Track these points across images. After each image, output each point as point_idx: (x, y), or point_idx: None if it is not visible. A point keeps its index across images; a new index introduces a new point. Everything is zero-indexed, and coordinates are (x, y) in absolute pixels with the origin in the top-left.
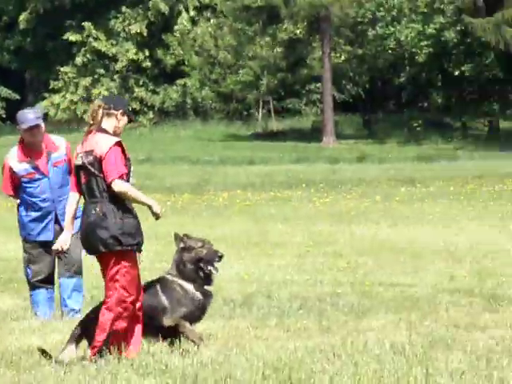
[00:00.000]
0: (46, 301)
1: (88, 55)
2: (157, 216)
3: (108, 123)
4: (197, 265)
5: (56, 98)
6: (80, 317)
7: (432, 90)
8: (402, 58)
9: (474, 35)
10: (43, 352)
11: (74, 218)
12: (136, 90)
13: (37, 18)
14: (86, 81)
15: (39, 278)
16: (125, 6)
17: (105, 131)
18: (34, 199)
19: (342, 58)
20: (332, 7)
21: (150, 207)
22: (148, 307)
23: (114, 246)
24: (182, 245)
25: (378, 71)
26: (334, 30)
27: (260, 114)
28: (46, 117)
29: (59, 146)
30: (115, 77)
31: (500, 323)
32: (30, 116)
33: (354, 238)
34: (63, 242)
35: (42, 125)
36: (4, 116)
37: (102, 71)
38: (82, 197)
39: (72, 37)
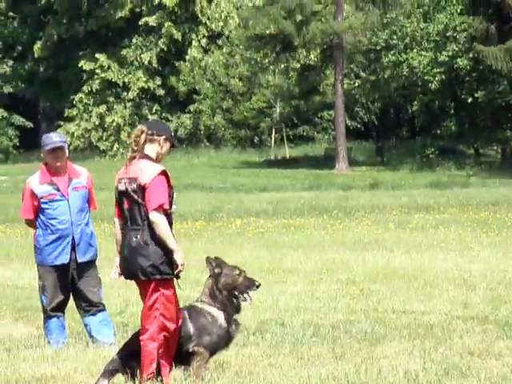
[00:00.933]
0: (59, 329)
1: (98, 85)
2: (176, 265)
3: (151, 149)
4: (231, 292)
5: (70, 127)
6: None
7: (445, 117)
8: (415, 85)
9: (486, 63)
10: None
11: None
12: (149, 117)
13: (51, 47)
14: (99, 109)
15: (54, 304)
16: (137, 35)
17: (148, 158)
18: (52, 221)
19: (355, 84)
20: (344, 35)
21: (173, 252)
22: None
23: (153, 275)
24: (217, 270)
25: (390, 98)
26: (346, 57)
27: (273, 141)
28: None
29: (81, 173)
30: (128, 105)
31: None
32: (54, 138)
33: (367, 265)
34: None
35: (66, 148)
36: (18, 144)
37: (113, 99)
38: (124, 223)
39: (86, 65)
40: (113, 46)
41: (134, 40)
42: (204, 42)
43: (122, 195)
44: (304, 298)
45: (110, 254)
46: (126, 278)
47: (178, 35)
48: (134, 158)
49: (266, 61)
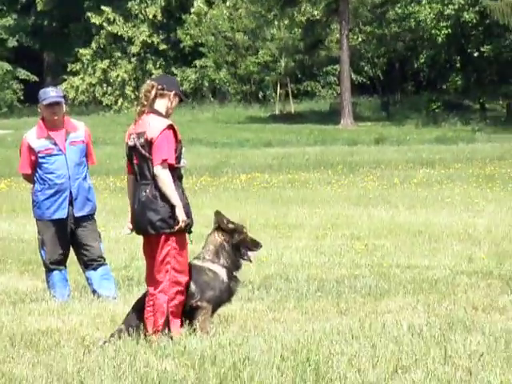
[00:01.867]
0: (61, 282)
1: (104, 39)
2: (177, 221)
3: (160, 104)
4: (238, 250)
5: (75, 81)
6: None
7: (451, 72)
8: (421, 39)
9: (493, 17)
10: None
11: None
12: (153, 71)
13: (55, 0)
14: (103, 63)
15: (54, 258)
16: None
17: (157, 112)
18: (49, 175)
19: (360, 39)
20: None
21: (174, 209)
22: None
23: (162, 229)
24: (231, 226)
25: (396, 52)
26: (352, 11)
27: (278, 96)
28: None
29: (78, 128)
30: (133, 59)
31: None
32: (52, 93)
33: (372, 220)
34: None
35: (63, 103)
36: (22, 98)
37: (118, 54)
38: (134, 178)
39: (93, 19)
40: None
41: None
42: None
43: (131, 150)
44: (309, 252)
45: (116, 208)
46: (137, 232)
47: None
48: (143, 112)
49: (271, 14)
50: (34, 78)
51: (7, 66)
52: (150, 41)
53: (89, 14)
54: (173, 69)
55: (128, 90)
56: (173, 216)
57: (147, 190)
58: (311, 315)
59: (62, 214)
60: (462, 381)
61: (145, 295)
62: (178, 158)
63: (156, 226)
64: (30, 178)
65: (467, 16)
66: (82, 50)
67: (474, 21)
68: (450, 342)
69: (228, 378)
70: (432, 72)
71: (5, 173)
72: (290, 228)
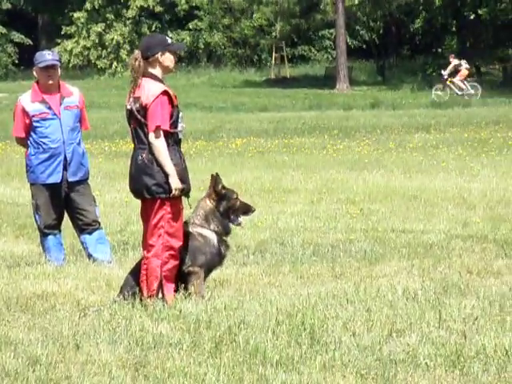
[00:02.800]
0: (56, 246)
1: (100, 0)
2: (170, 188)
3: (153, 70)
4: (228, 214)
5: (69, 44)
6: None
7: (446, 36)
8: (417, 3)
9: None
10: None
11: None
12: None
13: None
14: (98, 26)
15: (48, 223)
16: None
17: (153, 76)
18: (44, 139)
19: (356, 2)
20: None
21: (168, 176)
22: None
23: (158, 194)
24: (223, 191)
25: (392, 16)
26: None
27: (273, 59)
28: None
29: (73, 93)
30: (128, 22)
31: None
32: (47, 56)
33: (367, 184)
34: None
35: (59, 67)
36: (17, 61)
37: (113, 17)
38: (132, 142)
39: None
40: None
41: None
42: None
43: (129, 115)
44: (304, 217)
45: (111, 172)
46: (134, 196)
47: None
48: (135, 81)
49: None
50: (29, 41)
51: (1, 29)
52: (145, 4)
53: None
54: (168, 32)
55: (123, 54)
56: (168, 181)
57: (143, 155)
58: (306, 279)
59: (56, 178)
60: (457, 344)
61: (141, 259)
62: (175, 123)
63: (152, 190)
64: (23, 142)
65: None
66: (76, 14)
67: None
68: (444, 305)
69: (223, 341)
70: (428, 36)
71: (0, 136)
72: (285, 192)
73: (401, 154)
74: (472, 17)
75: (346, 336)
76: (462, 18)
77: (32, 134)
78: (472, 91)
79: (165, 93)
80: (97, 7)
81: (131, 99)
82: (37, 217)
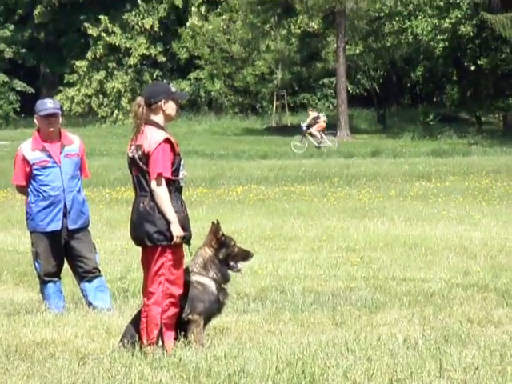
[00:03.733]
0: (56, 294)
1: (102, 49)
2: (171, 236)
3: (156, 117)
4: (227, 262)
5: (70, 92)
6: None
7: (447, 85)
8: (418, 52)
9: (492, 30)
10: None
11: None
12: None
13: (51, 12)
14: (99, 75)
15: (48, 271)
16: (140, 0)
17: (155, 124)
18: (44, 187)
19: (357, 51)
20: (347, 1)
21: (169, 223)
22: None
23: (159, 241)
24: (223, 238)
25: (393, 65)
26: (349, 23)
27: (274, 107)
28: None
29: (73, 141)
30: (129, 71)
31: None
32: (49, 104)
33: (368, 232)
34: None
35: (60, 115)
36: (18, 109)
37: (114, 65)
38: (134, 190)
39: (90, 30)
40: (114, 10)
41: (138, 2)
42: (204, 9)
43: (130, 162)
44: (304, 265)
45: (111, 220)
46: (135, 243)
47: (178, 1)
48: (138, 127)
49: (267, 26)
50: (31, 89)
51: (3, 78)
52: (147, 53)
53: (86, 24)
54: (169, 81)
55: (124, 102)
56: (170, 228)
57: (145, 202)
58: (307, 328)
59: (56, 226)
60: None
61: (142, 307)
62: (176, 171)
63: (153, 238)
64: (24, 190)
65: (464, 29)
66: (78, 62)
67: (471, 34)
68: (445, 355)
69: None
70: (428, 85)
71: (0, 184)
72: (286, 240)
73: (401, 202)
74: (472, 67)
75: None
76: (463, 67)
77: (32, 181)
78: (329, 143)
79: (167, 140)
80: (98, 56)
81: (133, 147)
82: (36, 264)
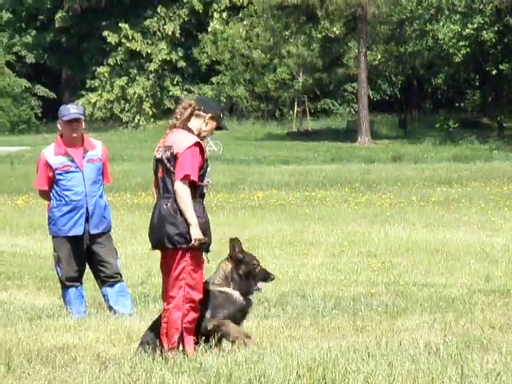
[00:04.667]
0: (78, 298)
1: (122, 55)
2: (191, 239)
3: (194, 123)
4: (247, 279)
5: (92, 97)
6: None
7: (469, 90)
8: (439, 58)
9: None
10: None
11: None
12: (171, 89)
13: (73, 17)
14: (121, 80)
15: (70, 275)
16: (160, 6)
17: (188, 129)
18: (66, 192)
19: (379, 56)
20: (368, 6)
21: (190, 226)
22: None
23: (179, 244)
24: (240, 256)
25: (414, 71)
26: (370, 28)
27: (295, 113)
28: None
29: (96, 146)
30: (151, 76)
31: None
32: (72, 110)
33: (389, 238)
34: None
35: (83, 120)
36: (40, 115)
37: (135, 71)
38: (156, 191)
39: (109, 38)
40: (135, 16)
41: (158, 9)
42: (225, 14)
43: (157, 163)
44: (325, 270)
45: (132, 225)
46: (154, 246)
47: (199, 6)
48: (174, 126)
49: (288, 32)
50: (53, 94)
51: (25, 83)
52: (168, 58)
53: (106, 32)
54: (190, 86)
55: (145, 107)
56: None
57: (168, 204)
58: (327, 333)
59: (78, 230)
60: None
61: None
62: (202, 176)
63: (174, 240)
64: (46, 195)
65: (486, 35)
66: (99, 69)
67: (493, 40)
68: (466, 360)
69: None
70: (450, 90)
71: (22, 189)
72: (307, 245)
73: (423, 207)
74: (494, 72)
75: None
76: (484, 73)
77: (55, 186)
78: (215, 148)
79: (197, 144)
80: (119, 62)
81: (161, 148)
82: (58, 269)
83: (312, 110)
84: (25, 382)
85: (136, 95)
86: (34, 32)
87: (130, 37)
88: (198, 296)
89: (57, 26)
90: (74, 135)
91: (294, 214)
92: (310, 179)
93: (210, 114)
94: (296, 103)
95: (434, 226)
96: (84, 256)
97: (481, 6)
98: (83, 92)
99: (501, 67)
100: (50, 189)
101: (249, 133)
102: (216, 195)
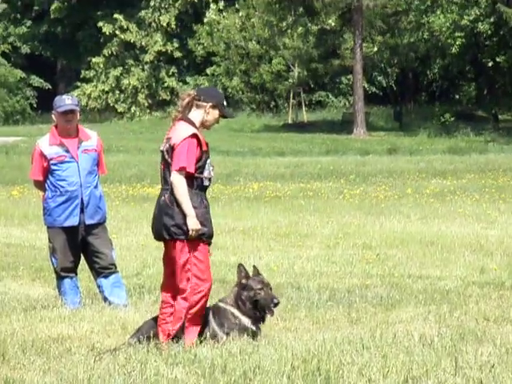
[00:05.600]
0: (72, 289)
1: (117, 46)
2: (188, 230)
3: (195, 114)
4: (254, 304)
5: (87, 88)
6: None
7: (464, 82)
8: (435, 49)
9: (509, 25)
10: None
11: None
12: (166, 80)
13: (68, 8)
14: (116, 71)
15: (65, 266)
16: None
17: (188, 121)
18: (61, 182)
19: (375, 49)
20: None
21: (186, 217)
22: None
23: (177, 235)
24: (244, 281)
25: (409, 63)
26: (366, 21)
27: (290, 105)
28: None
29: (91, 136)
30: (146, 67)
31: None
32: (67, 101)
33: (384, 230)
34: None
35: (78, 111)
36: (35, 105)
37: (131, 61)
38: (160, 182)
39: (104, 28)
40: (130, 7)
41: (152, 2)
42: (222, 4)
43: (161, 155)
44: (320, 262)
45: (127, 216)
46: (155, 237)
47: None
48: (176, 118)
49: (284, 24)
50: (48, 85)
51: (20, 74)
52: (164, 49)
53: (100, 23)
54: (186, 77)
55: (140, 98)
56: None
57: (166, 195)
58: (322, 324)
59: (73, 221)
60: None
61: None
62: (201, 168)
63: (171, 231)
64: (41, 185)
65: (482, 27)
66: (94, 59)
67: (489, 32)
68: (461, 352)
69: None
70: (445, 82)
71: (17, 179)
72: (302, 237)
73: (418, 199)
74: (490, 64)
75: (361, 382)
76: (480, 64)
77: (50, 177)
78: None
79: (194, 136)
80: (114, 53)
81: (165, 140)
82: (53, 260)
83: (307, 102)
84: (19, 373)
85: (131, 86)
86: (29, 22)
87: (125, 27)
88: (205, 286)
89: (52, 16)
90: (69, 126)
91: (289, 206)
92: (305, 171)
93: (210, 103)
94: (291, 95)
95: (428, 218)
96: (79, 247)
97: None
98: (78, 83)
99: (497, 59)
100: (44, 179)
101: (244, 124)
102: (211, 187)
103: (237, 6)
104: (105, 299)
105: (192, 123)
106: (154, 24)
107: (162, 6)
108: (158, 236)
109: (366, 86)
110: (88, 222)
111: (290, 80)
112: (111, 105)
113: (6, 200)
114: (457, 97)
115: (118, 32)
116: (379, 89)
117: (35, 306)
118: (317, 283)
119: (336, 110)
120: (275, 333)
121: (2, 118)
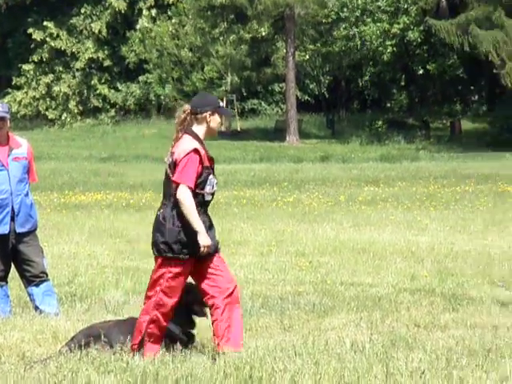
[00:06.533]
0: (2, 298)
1: (47, 53)
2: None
3: (199, 128)
4: (188, 307)
5: (18, 95)
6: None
7: (395, 90)
8: (366, 58)
9: (438, 36)
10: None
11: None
12: (98, 87)
13: None
14: (47, 78)
15: None
16: (86, 4)
17: (192, 134)
18: None
19: (307, 57)
20: (296, 7)
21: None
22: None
23: (164, 252)
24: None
25: (341, 71)
26: (298, 29)
27: None
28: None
29: (22, 144)
30: (77, 74)
31: (460, 323)
32: None
33: (317, 237)
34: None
35: (8, 119)
36: None
37: (61, 68)
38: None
39: (35, 34)
40: (61, 14)
41: (83, 9)
42: (154, 12)
43: (165, 168)
44: (253, 269)
45: (59, 224)
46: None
47: (122, 6)
48: (177, 138)
49: (216, 31)
50: None
51: None
52: (95, 56)
53: (31, 30)
54: (118, 84)
55: (72, 105)
56: (179, 242)
57: (161, 210)
58: (255, 331)
59: (3, 229)
60: None
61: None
62: (202, 184)
63: (159, 248)
64: None
65: (412, 35)
66: (25, 66)
67: (419, 39)
68: (392, 359)
69: None
70: (377, 90)
71: None
72: (235, 244)
73: (350, 206)
74: (420, 72)
75: None
76: (411, 73)
77: None
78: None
79: (196, 151)
80: (44, 60)
81: (169, 154)
82: None
83: (240, 110)
84: None
85: (62, 93)
86: None
87: (55, 35)
88: (170, 302)
89: None
90: None
91: (223, 214)
92: (238, 178)
93: (208, 112)
94: (225, 102)
95: (361, 225)
96: (9, 255)
97: (405, 6)
98: (9, 89)
99: (427, 67)
100: None
101: None
102: (144, 194)
103: (169, 13)
104: (36, 308)
105: (196, 136)
106: (85, 31)
107: (94, 13)
108: (152, 251)
109: (299, 93)
110: (19, 230)
111: (223, 87)
112: (42, 112)
113: None
114: (388, 105)
115: (48, 39)
116: (312, 96)
117: None
118: (250, 290)
119: (269, 118)
120: (207, 340)
121: None
